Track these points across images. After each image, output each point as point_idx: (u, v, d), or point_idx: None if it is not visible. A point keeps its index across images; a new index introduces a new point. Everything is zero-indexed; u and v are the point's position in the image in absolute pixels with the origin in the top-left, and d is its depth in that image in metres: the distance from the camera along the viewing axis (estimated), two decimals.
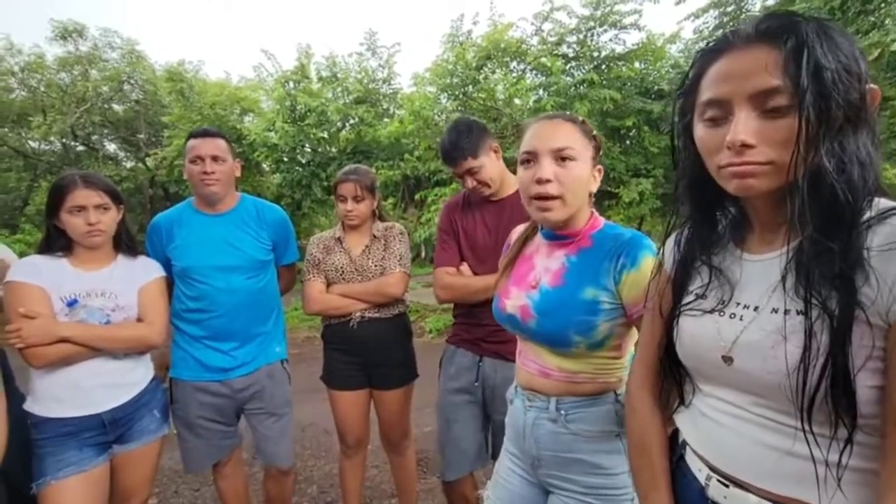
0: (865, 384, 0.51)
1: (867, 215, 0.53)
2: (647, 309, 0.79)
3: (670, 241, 0.75)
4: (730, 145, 0.56)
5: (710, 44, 0.61)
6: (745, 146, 0.55)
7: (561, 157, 0.94)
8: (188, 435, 1.69)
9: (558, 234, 1.03)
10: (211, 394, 1.67)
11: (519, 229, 1.17)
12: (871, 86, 0.55)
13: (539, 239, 1.08)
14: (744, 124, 0.55)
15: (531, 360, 1.04)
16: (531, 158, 0.96)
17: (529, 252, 1.09)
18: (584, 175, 0.96)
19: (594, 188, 1.01)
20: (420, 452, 2.79)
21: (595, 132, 1.01)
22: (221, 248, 1.68)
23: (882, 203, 0.55)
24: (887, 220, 0.51)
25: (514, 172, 1.21)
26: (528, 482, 1.07)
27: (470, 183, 1.59)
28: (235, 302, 1.66)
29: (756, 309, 0.59)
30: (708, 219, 0.69)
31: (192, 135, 1.68)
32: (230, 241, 1.69)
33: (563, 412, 0.99)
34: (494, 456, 1.60)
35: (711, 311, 0.64)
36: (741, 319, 0.61)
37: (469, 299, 1.60)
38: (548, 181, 0.93)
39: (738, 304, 0.62)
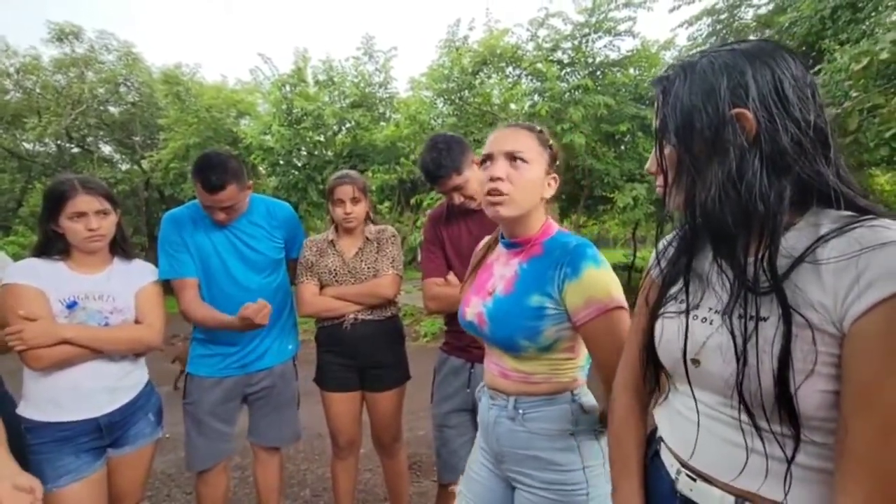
0: (816, 388, 0.54)
1: (826, 228, 0.57)
2: (634, 311, 0.84)
3: (659, 245, 0.79)
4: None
5: None
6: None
7: (513, 159, 1.01)
8: (195, 433, 1.74)
9: (514, 242, 1.09)
10: (226, 388, 1.74)
11: (483, 242, 1.23)
12: (736, 110, 0.60)
13: (499, 248, 1.14)
14: None
15: (493, 362, 1.10)
16: (488, 160, 1.03)
17: (491, 261, 1.15)
18: (535, 178, 1.02)
19: (548, 195, 1.06)
20: (413, 456, 2.80)
21: (552, 142, 1.06)
22: (240, 249, 1.75)
23: (835, 213, 0.59)
24: (846, 232, 0.55)
25: None
26: (495, 475, 1.12)
27: (457, 199, 1.62)
28: (254, 300, 1.71)
29: (724, 314, 0.62)
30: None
31: (201, 178, 1.57)
32: (247, 242, 1.76)
33: (521, 411, 1.04)
34: None
35: (685, 314, 0.67)
36: (711, 323, 0.64)
37: (457, 308, 1.63)
38: (499, 179, 1.00)
39: (710, 308, 0.66)
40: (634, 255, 11.87)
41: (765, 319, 0.58)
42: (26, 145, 12.45)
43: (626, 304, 0.96)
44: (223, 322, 1.66)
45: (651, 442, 0.80)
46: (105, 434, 1.41)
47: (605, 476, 1.01)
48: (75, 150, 12.42)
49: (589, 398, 1.06)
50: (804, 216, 0.60)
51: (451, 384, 1.66)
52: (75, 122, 11.19)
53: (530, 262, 1.05)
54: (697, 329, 0.65)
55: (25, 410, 1.36)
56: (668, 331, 0.70)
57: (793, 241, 0.58)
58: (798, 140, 0.58)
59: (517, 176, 1.00)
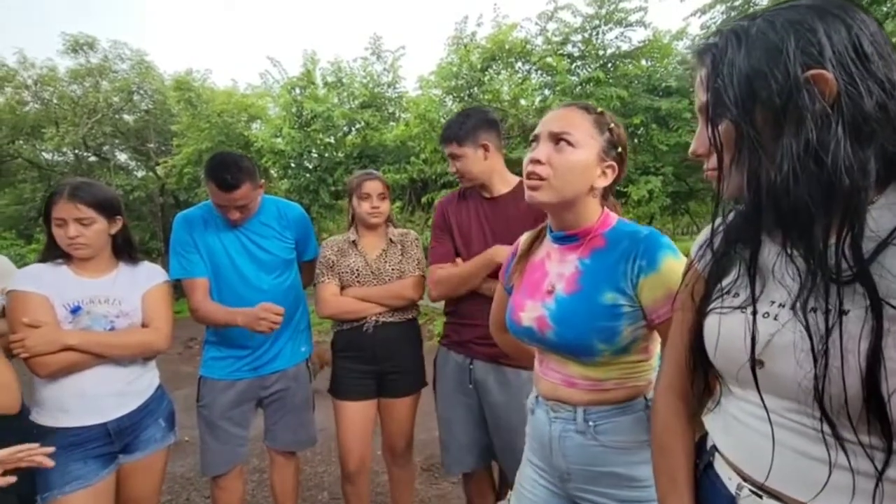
0: None
1: None
2: (676, 307, 0.75)
3: (702, 236, 0.71)
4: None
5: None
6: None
7: (557, 140, 0.91)
8: (209, 437, 1.72)
9: (568, 236, 0.97)
10: (239, 391, 1.73)
11: (525, 236, 1.12)
12: (812, 72, 0.51)
13: (548, 244, 1.03)
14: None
15: (553, 371, 0.98)
16: (535, 140, 0.95)
17: (539, 259, 1.04)
18: (581, 163, 0.91)
19: (601, 184, 0.94)
20: (431, 458, 2.76)
21: (612, 125, 0.95)
22: (250, 249, 1.74)
23: None
24: None
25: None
26: (555, 494, 1.01)
27: (451, 168, 1.60)
28: (265, 301, 1.69)
29: (793, 308, 0.54)
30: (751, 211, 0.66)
31: (216, 177, 1.57)
32: (258, 242, 1.75)
33: (591, 423, 0.93)
34: (495, 455, 1.60)
35: (743, 309, 0.59)
36: (776, 319, 0.56)
37: (459, 288, 1.58)
38: (538, 162, 0.91)
39: (773, 302, 0.57)
40: None
41: (846, 313, 0.50)
42: (45, 155, 12.72)
43: None
44: (230, 316, 1.64)
45: (701, 452, 0.71)
46: (115, 440, 1.39)
47: None
48: (92, 158, 12.63)
49: None
50: (885, 192, 0.53)
51: (454, 380, 1.63)
52: (91, 130, 11.39)
53: (592, 255, 0.94)
54: (760, 326, 0.57)
55: (38, 417, 1.35)
56: (725, 328, 0.61)
57: (877, 221, 0.51)
58: (883, 103, 0.51)
59: (559, 159, 0.90)
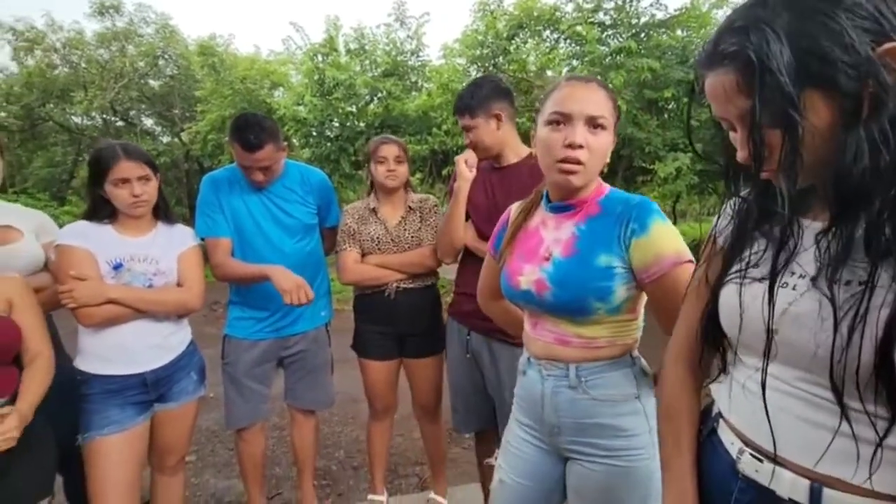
0: None
1: None
2: (692, 279, 0.76)
3: (724, 210, 0.72)
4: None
5: None
6: None
7: (594, 125, 0.93)
8: (233, 392, 1.81)
9: (565, 205, 1.02)
10: (261, 350, 1.80)
11: (516, 205, 1.16)
12: (887, 45, 0.48)
13: (543, 212, 1.07)
14: None
15: (547, 331, 1.03)
16: (563, 120, 0.94)
17: (534, 226, 1.08)
18: (610, 144, 0.97)
19: (608, 158, 1.02)
20: (447, 423, 2.84)
21: (617, 101, 0.99)
22: (274, 212, 1.78)
23: None
24: None
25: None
26: (543, 451, 1.08)
27: (466, 139, 1.61)
28: (287, 265, 1.73)
29: (813, 279, 0.55)
30: (767, 186, 0.65)
31: (239, 137, 1.59)
32: (281, 206, 1.78)
33: (583, 378, 0.99)
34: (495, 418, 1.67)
35: (762, 280, 0.60)
36: (794, 289, 0.57)
37: (451, 239, 1.62)
38: (580, 147, 0.92)
39: (794, 273, 0.58)
40: None
41: (871, 286, 0.50)
42: (75, 119, 12.97)
43: (693, 259, 0.90)
44: (258, 270, 1.67)
45: (706, 419, 0.74)
46: (151, 389, 1.48)
47: None
48: (120, 123, 12.85)
49: (643, 360, 1.03)
50: None
51: (458, 347, 1.70)
52: (118, 95, 11.53)
53: (588, 222, 1.00)
54: (778, 295, 0.58)
55: (81, 364, 1.45)
56: (737, 297, 0.63)
57: None
58: None
59: (596, 144, 0.94)
